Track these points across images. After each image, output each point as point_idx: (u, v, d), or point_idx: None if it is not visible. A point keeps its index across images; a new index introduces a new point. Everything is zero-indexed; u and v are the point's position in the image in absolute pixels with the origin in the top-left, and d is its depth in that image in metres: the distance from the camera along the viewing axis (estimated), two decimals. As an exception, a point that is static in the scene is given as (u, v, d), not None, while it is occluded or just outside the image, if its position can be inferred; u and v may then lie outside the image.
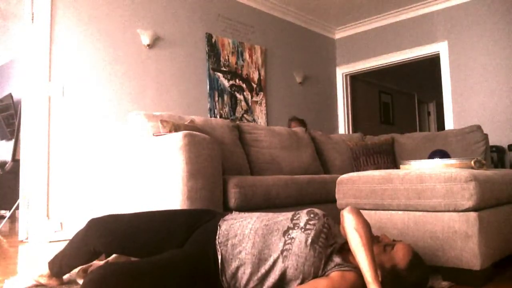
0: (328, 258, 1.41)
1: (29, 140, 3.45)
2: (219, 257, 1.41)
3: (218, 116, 4.69)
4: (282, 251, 1.39)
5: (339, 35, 6.56)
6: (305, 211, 1.50)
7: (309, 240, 1.38)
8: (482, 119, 4.96)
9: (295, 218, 1.47)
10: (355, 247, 1.36)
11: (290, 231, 1.42)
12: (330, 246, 1.43)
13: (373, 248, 1.41)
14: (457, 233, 1.77)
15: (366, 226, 1.40)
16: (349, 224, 1.40)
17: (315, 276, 1.38)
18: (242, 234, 1.44)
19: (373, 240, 1.45)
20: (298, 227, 1.43)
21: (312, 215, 1.46)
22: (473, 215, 1.76)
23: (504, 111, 4.94)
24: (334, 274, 1.37)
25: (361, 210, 2.07)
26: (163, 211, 1.67)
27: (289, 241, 1.39)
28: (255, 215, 1.53)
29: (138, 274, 1.29)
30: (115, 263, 1.34)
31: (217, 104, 4.71)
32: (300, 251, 1.37)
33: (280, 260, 1.38)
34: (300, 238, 1.39)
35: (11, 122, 6.53)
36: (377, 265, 1.37)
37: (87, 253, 1.56)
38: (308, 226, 1.42)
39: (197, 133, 2.37)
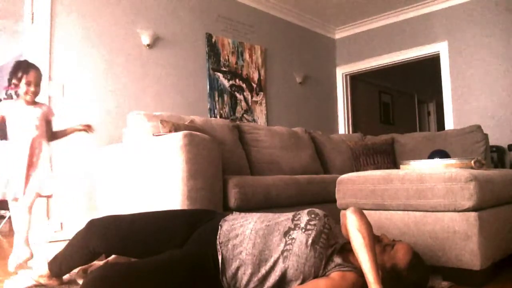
0: (329, 258, 1.41)
1: (29, 140, 3.45)
2: (220, 257, 1.41)
3: (218, 116, 4.69)
4: (282, 252, 1.39)
5: (339, 35, 6.55)
6: (305, 211, 1.50)
7: (310, 241, 1.38)
8: (482, 119, 4.95)
9: (295, 219, 1.47)
10: (357, 248, 1.35)
11: (291, 232, 1.42)
12: (331, 247, 1.43)
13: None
14: (457, 233, 1.77)
15: (369, 227, 1.39)
16: (352, 225, 1.39)
17: (316, 276, 1.38)
18: (243, 234, 1.44)
19: (375, 240, 1.45)
20: (299, 227, 1.43)
21: (313, 215, 1.46)
22: (473, 215, 1.76)
23: (504, 111, 4.93)
24: (335, 274, 1.37)
25: (361, 210, 2.08)
26: (163, 212, 1.67)
27: (290, 241, 1.39)
28: (256, 215, 1.53)
29: (137, 274, 1.29)
30: (115, 264, 1.34)
31: (217, 104, 4.71)
32: (300, 252, 1.37)
33: (281, 260, 1.38)
34: (300, 239, 1.39)
35: (11, 122, 6.53)
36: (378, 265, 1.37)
37: (87, 254, 1.56)
38: (308, 227, 1.42)
39: (197, 133, 2.37)
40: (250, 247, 1.40)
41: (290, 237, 1.40)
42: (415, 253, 1.48)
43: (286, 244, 1.39)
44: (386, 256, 1.45)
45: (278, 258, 1.38)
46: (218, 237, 1.45)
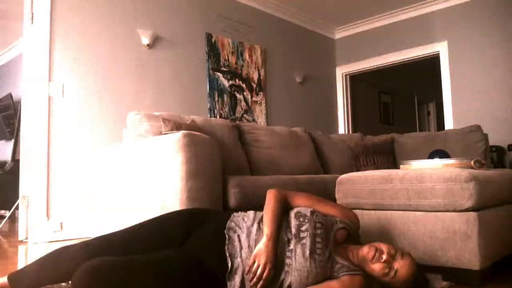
0: (330, 258, 1.42)
1: (29, 140, 3.45)
2: (229, 264, 1.41)
3: (218, 116, 4.69)
4: (283, 267, 1.39)
5: (339, 35, 6.55)
6: (292, 213, 1.50)
7: (307, 252, 1.39)
8: (482, 119, 4.94)
9: (288, 226, 1.47)
10: (264, 209, 1.50)
11: (290, 242, 1.43)
12: (326, 247, 1.43)
13: (351, 247, 1.50)
14: (457, 233, 1.77)
15: (271, 195, 1.54)
16: (267, 198, 1.54)
17: (326, 278, 1.40)
18: (247, 245, 1.44)
19: (284, 208, 1.54)
20: (291, 234, 1.43)
21: (301, 219, 1.46)
22: (473, 215, 1.76)
23: (504, 111, 4.93)
24: (345, 278, 1.41)
25: (361, 210, 2.08)
26: (154, 221, 1.60)
27: (289, 254, 1.40)
28: (256, 219, 1.51)
29: (130, 268, 1.30)
30: (107, 258, 1.33)
31: (217, 104, 4.71)
32: (301, 266, 1.38)
33: (283, 275, 1.39)
34: (298, 251, 1.39)
35: (11, 122, 6.53)
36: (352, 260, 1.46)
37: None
38: (301, 234, 1.42)
39: (196, 133, 2.37)
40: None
41: (288, 248, 1.41)
42: (414, 274, 1.45)
43: (286, 258, 1.40)
44: (387, 278, 1.43)
45: (280, 273, 1.39)
46: (226, 242, 1.44)
